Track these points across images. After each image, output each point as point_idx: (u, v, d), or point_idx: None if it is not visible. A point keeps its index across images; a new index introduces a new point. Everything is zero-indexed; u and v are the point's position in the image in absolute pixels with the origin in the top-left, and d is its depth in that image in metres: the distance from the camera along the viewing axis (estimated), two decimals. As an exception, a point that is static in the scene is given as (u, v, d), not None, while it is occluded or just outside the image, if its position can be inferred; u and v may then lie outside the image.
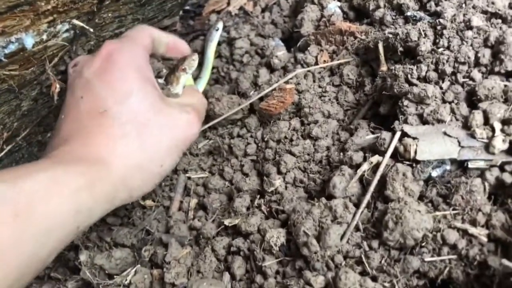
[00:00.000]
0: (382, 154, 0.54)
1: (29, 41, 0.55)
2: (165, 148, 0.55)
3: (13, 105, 0.61)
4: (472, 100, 0.53)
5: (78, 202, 0.46)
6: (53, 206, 0.44)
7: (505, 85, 0.51)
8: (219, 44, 0.89)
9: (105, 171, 0.50)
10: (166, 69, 0.67)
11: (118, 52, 0.55)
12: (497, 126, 0.50)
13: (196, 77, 0.82)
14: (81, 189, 0.47)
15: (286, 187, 0.65)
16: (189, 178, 0.75)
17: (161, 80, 0.62)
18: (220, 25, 0.71)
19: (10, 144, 0.66)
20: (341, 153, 0.61)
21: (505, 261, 0.40)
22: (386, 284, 0.47)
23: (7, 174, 0.45)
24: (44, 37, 0.56)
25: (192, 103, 0.61)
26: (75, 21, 0.58)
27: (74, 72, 0.56)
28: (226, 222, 0.63)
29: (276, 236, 0.56)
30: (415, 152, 0.51)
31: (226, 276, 0.57)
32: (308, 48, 0.76)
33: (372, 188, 0.53)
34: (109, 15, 0.65)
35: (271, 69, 0.81)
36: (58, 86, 0.57)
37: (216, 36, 0.68)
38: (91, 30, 0.61)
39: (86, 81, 0.54)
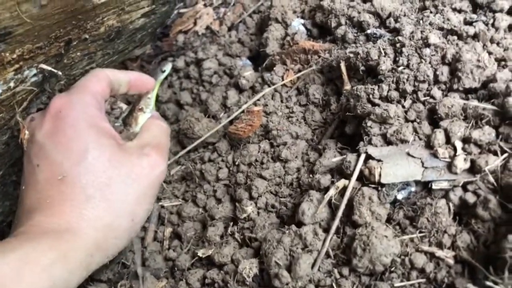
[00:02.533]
0: (349, 177, 0.54)
1: None
2: (133, 201, 0.53)
3: None
4: (434, 118, 0.54)
5: (52, 277, 0.45)
6: (25, 286, 0.43)
7: (464, 103, 0.52)
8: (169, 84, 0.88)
9: (76, 240, 0.48)
10: (122, 109, 0.66)
11: (67, 108, 0.53)
12: (458, 145, 0.50)
13: None
14: (53, 263, 0.45)
15: (258, 213, 0.64)
16: (162, 206, 0.74)
17: (118, 123, 0.61)
18: (168, 67, 0.70)
19: None
20: (310, 175, 0.61)
21: (471, 286, 0.41)
22: (357, 312, 0.47)
23: None
24: (12, 84, 0.55)
25: (149, 141, 0.58)
26: (43, 66, 0.57)
27: (28, 136, 0.55)
28: (200, 253, 0.62)
29: (249, 267, 0.55)
30: (380, 175, 0.51)
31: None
32: (274, 68, 0.76)
33: (340, 213, 0.53)
34: (78, 54, 0.64)
35: (240, 89, 0.81)
36: (27, 132, 0.56)
37: (161, 77, 0.68)
38: (60, 73, 0.60)
39: (40, 146, 0.52)
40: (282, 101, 0.73)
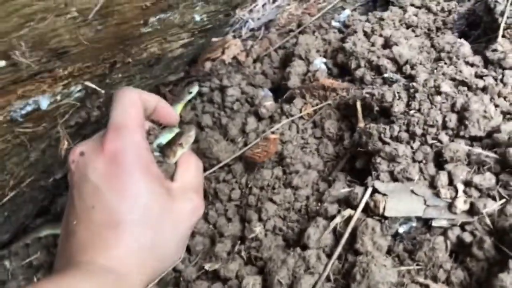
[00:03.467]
0: (355, 208, 0.58)
1: (44, 102, 0.58)
2: (177, 245, 0.58)
3: (23, 156, 0.64)
4: (439, 161, 0.57)
5: None
6: None
7: (469, 149, 0.55)
8: (192, 107, 0.93)
9: (129, 285, 0.53)
10: (157, 129, 0.70)
11: (122, 154, 0.55)
12: (460, 187, 0.53)
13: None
14: None
15: (266, 235, 0.67)
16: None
17: (157, 153, 0.65)
18: (194, 89, 0.74)
19: (14, 191, 0.69)
20: (319, 203, 0.65)
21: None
22: (352, 335, 0.50)
23: (53, 284, 0.48)
24: (58, 97, 0.59)
25: (191, 184, 0.62)
26: (88, 83, 0.62)
27: (77, 169, 0.57)
28: (207, 266, 0.66)
29: (252, 283, 0.58)
30: (384, 209, 0.55)
31: (203, 320, 0.59)
32: (294, 101, 0.81)
33: (343, 241, 0.56)
34: (119, 75, 0.69)
35: (259, 117, 0.85)
36: (66, 143, 0.60)
37: (187, 98, 0.72)
38: (103, 91, 0.64)
39: (95, 187, 0.55)
40: (298, 132, 0.77)
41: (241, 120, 0.87)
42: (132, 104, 0.60)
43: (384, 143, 0.61)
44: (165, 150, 0.69)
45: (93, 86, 0.63)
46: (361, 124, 0.69)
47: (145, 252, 0.56)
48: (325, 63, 0.84)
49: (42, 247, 0.93)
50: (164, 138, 0.76)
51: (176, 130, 0.75)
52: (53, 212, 0.99)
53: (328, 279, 0.55)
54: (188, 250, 0.73)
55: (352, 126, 0.73)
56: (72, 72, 0.59)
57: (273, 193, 0.71)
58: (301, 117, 0.79)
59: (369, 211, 0.56)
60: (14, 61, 0.49)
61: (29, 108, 0.58)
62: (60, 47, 0.54)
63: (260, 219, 0.69)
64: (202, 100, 1.00)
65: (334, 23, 0.97)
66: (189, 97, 0.78)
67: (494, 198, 0.51)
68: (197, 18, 0.75)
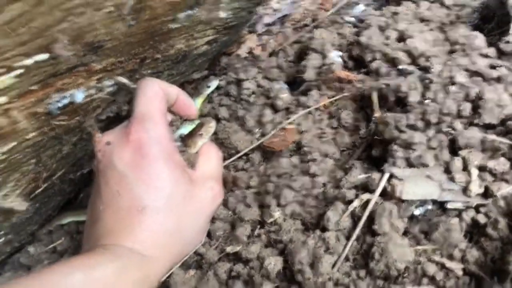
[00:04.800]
0: (372, 192, 0.60)
1: (79, 96, 0.61)
2: (199, 231, 0.64)
3: (56, 149, 0.67)
4: (454, 148, 0.60)
5: None
6: None
7: (483, 136, 0.58)
8: (209, 100, 0.96)
9: (155, 267, 0.57)
10: (179, 120, 0.73)
11: (147, 145, 0.59)
12: (474, 172, 0.56)
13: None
14: (140, 281, 0.54)
15: (284, 219, 0.70)
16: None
17: (178, 143, 0.68)
18: (213, 83, 0.77)
19: (46, 183, 0.72)
20: (336, 190, 0.67)
21: (475, 293, 0.46)
22: (371, 310, 0.52)
23: (79, 263, 0.52)
24: (92, 91, 0.62)
25: (212, 173, 0.66)
26: (120, 78, 0.65)
27: (104, 158, 0.60)
28: (228, 249, 0.68)
29: (274, 263, 0.61)
30: (401, 192, 0.57)
31: (224, 299, 0.62)
32: (310, 93, 0.83)
33: (361, 223, 0.58)
34: (148, 71, 0.72)
35: (275, 109, 0.88)
36: (98, 135, 0.62)
37: (206, 91, 0.75)
38: (133, 86, 0.67)
39: (121, 175, 0.58)
40: (314, 123, 0.80)
41: (257, 112, 0.89)
42: (155, 95, 0.63)
43: (400, 131, 0.64)
44: (186, 141, 0.72)
45: (125, 81, 0.66)
46: (377, 114, 0.72)
47: (169, 237, 0.60)
48: (341, 56, 0.87)
49: (65, 233, 0.96)
50: (185, 129, 0.79)
51: (197, 121, 0.78)
52: (77, 203, 1.02)
53: (347, 259, 0.57)
54: (209, 235, 0.76)
55: (368, 117, 0.76)
56: (105, 66, 0.62)
57: (291, 180, 0.73)
58: (317, 108, 0.81)
59: (386, 195, 0.59)
60: (55, 54, 0.52)
61: (65, 101, 0.61)
62: (96, 41, 0.57)
63: (279, 205, 0.72)
64: (219, 93, 1.03)
65: (348, 18, 1.00)
66: (208, 91, 0.81)
67: (507, 182, 0.53)
68: (222, 15, 0.77)
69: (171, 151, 0.62)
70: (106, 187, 0.60)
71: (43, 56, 0.50)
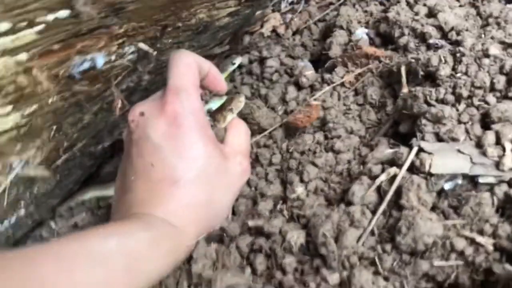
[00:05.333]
0: (400, 167, 0.59)
1: (100, 60, 0.60)
2: (228, 205, 0.64)
3: (77, 117, 0.67)
4: (486, 122, 0.58)
5: (166, 264, 0.54)
6: (150, 265, 0.52)
7: (517, 110, 0.56)
8: (231, 79, 0.95)
9: (185, 239, 0.57)
10: (208, 94, 0.73)
11: (182, 116, 0.58)
12: (508, 146, 0.54)
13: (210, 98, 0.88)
14: (170, 251, 0.54)
15: (307, 195, 0.69)
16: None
17: (207, 117, 0.68)
18: (237, 60, 0.77)
19: (67, 153, 0.72)
20: (361, 166, 0.66)
21: (508, 266, 0.44)
22: (397, 284, 0.51)
23: (113, 229, 0.52)
24: (113, 57, 0.62)
25: (241, 148, 0.66)
26: (141, 45, 0.64)
27: (137, 128, 0.59)
28: (250, 223, 0.68)
29: (296, 236, 0.60)
30: (430, 166, 0.55)
31: (248, 270, 0.61)
32: (335, 69, 0.82)
33: (388, 197, 0.57)
34: (169, 40, 0.71)
35: (299, 87, 0.87)
36: (120, 102, 0.62)
37: (230, 68, 0.74)
38: (154, 53, 0.67)
39: (155, 147, 0.58)
40: (340, 99, 0.78)
41: (280, 90, 0.88)
42: (189, 67, 0.63)
43: (430, 105, 0.62)
44: (215, 115, 0.72)
45: (146, 48, 0.65)
46: (405, 89, 0.70)
47: (200, 209, 0.60)
48: (367, 33, 0.85)
49: (86, 209, 0.97)
50: (215, 103, 0.79)
51: (225, 97, 0.78)
52: (98, 179, 1.03)
53: (372, 233, 0.56)
54: (231, 211, 0.75)
55: (395, 93, 0.74)
56: (126, 31, 0.62)
57: (314, 157, 0.72)
58: (343, 85, 0.80)
59: (414, 169, 0.57)
60: (77, 11, 0.51)
61: (86, 65, 0.61)
62: (118, 2, 0.56)
63: (301, 181, 0.71)
64: (241, 72, 1.02)
65: (375, -5, 0.97)
66: (232, 68, 0.80)
67: (543, 156, 0.51)
68: (245, -15, 0.77)
69: (205, 124, 0.62)
70: (139, 158, 0.59)
71: (65, 13, 0.49)
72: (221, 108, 0.73)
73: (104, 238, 0.50)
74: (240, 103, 0.73)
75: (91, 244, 0.49)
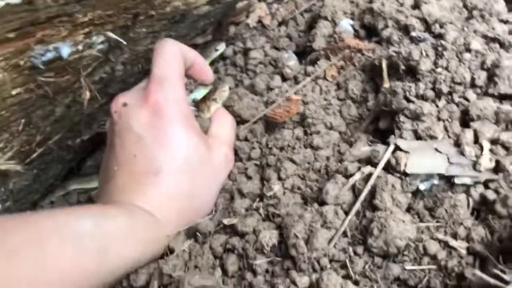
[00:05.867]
0: (375, 165, 0.57)
1: (65, 50, 0.58)
2: (211, 195, 0.63)
3: (47, 110, 0.65)
4: (465, 119, 0.55)
5: (143, 252, 0.54)
6: (125, 251, 0.51)
7: (498, 107, 0.53)
8: (212, 63, 0.93)
9: (165, 230, 0.56)
10: (192, 84, 0.71)
11: (165, 105, 0.57)
12: (486, 145, 0.52)
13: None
14: (146, 242, 0.54)
15: (284, 193, 0.67)
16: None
17: (192, 107, 0.66)
18: (221, 47, 0.74)
19: (41, 147, 0.70)
20: (339, 164, 0.64)
21: (478, 272, 0.42)
22: (367, 289, 0.49)
23: (91, 210, 0.53)
24: (80, 47, 0.59)
25: (225, 139, 0.65)
26: (110, 34, 0.61)
27: (120, 119, 0.58)
28: (225, 221, 0.66)
29: (269, 236, 0.58)
30: (405, 165, 0.53)
31: (218, 271, 0.60)
32: (318, 62, 0.79)
33: (362, 197, 0.55)
34: (143, 30, 0.69)
35: (283, 78, 0.84)
36: (88, 94, 0.60)
37: (213, 55, 0.72)
38: (125, 43, 0.64)
39: (137, 137, 0.57)
40: (321, 94, 0.76)
41: (264, 81, 0.86)
42: (174, 57, 0.62)
43: (409, 101, 0.60)
44: (200, 105, 0.70)
45: (116, 37, 0.63)
46: (386, 84, 0.67)
47: (182, 199, 0.58)
48: (352, 25, 0.82)
49: (67, 204, 0.95)
50: (199, 93, 0.77)
51: (210, 86, 0.75)
52: (82, 172, 1.01)
53: (345, 234, 0.54)
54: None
55: (377, 88, 0.72)
56: (92, 19, 0.59)
57: (293, 153, 0.70)
58: (325, 79, 0.77)
59: (390, 168, 0.55)
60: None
61: (50, 55, 0.58)
62: (80, -11, 0.54)
63: (279, 178, 0.69)
64: (225, 63, 1.00)
65: (362, -14, 0.94)
66: (216, 54, 0.77)
67: (521, 156, 0.49)
68: (225, -29, 0.74)
69: (188, 114, 0.61)
70: (121, 149, 0.59)
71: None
72: (206, 98, 0.71)
73: (80, 217, 0.50)
74: (224, 92, 0.71)
75: (65, 221, 0.49)
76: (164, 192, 0.57)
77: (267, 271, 0.57)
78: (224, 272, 0.60)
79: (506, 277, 0.40)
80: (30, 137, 0.69)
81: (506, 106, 0.53)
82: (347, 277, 0.51)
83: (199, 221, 0.63)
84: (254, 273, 0.57)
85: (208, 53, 0.81)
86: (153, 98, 0.58)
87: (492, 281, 0.41)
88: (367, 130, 0.69)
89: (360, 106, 0.73)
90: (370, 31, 0.80)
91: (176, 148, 0.57)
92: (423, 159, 0.53)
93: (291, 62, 0.83)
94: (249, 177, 0.74)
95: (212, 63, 0.92)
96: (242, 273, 0.59)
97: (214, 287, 0.55)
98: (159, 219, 0.56)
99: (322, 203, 0.58)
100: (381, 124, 0.65)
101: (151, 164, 0.56)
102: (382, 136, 0.65)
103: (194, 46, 1.04)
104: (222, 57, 0.98)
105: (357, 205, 0.55)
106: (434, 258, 0.48)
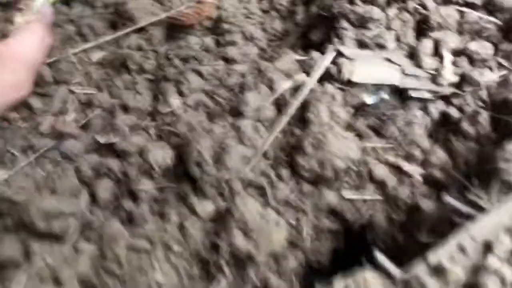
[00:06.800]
0: (309, 75, 0.44)
1: None
2: None
3: None
4: (422, 29, 0.45)
5: None
6: None
7: (463, 14, 0.44)
8: None
9: None
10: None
11: None
12: (447, 56, 0.42)
13: None
14: None
15: (185, 110, 0.52)
16: (71, 91, 0.59)
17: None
18: None
19: None
20: (259, 78, 0.50)
21: (449, 198, 0.32)
22: (291, 220, 0.36)
23: None
24: None
25: (22, 56, 0.53)
26: None
27: None
28: (101, 139, 0.49)
29: (162, 157, 0.43)
30: (350, 73, 0.41)
31: (84, 198, 0.42)
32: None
33: (292, 110, 0.42)
34: None
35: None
36: None
37: None
38: None
39: None
40: (241, 2, 0.61)
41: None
42: None
43: (354, 3, 0.48)
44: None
45: None
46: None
47: None
48: None
49: None
50: None
51: None
52: None
53: (266, 155, 0.41)
54: (84, 126, 0.55)
55: (308, 0, 0.59)
56: None
57: (200, 65, 0.55)
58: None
59: (329, 78, 0.43)
60: None
61: None
62: None
63: (180, 94, 0.53)
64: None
65: None
66: None
67: (491, 69, 0.40)
68: None
69: None
70: None
71: None
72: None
73: None
74: (32, 1, 0.56)
75: None
76: None
77: (154, 199, 0.42)
78: (94, 199, 0.43)
79: (482, 203, 0.30)
80: None
81: (474, 13, 0.43)
82: (266, 204, 0.37)
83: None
84: (136, 200, 0.41)
85: None
86: None
87: (464, 209, 0.30)
88: (294, 46, 0.56)
89: (286, 20, 0.60)
90: None
91: None
92: (372, 68, 0.42)
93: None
94: (137, 92, 0.57)
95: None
96: (119, 201, 0.43)
97: (74, 214, 0.38)
98: None
99: (239, 115, 0.43)
100: (314, 35, 0.53)
101: None
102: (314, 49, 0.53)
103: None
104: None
105: (285, 120, 0.42)
106: (381, 185, 0.37)
